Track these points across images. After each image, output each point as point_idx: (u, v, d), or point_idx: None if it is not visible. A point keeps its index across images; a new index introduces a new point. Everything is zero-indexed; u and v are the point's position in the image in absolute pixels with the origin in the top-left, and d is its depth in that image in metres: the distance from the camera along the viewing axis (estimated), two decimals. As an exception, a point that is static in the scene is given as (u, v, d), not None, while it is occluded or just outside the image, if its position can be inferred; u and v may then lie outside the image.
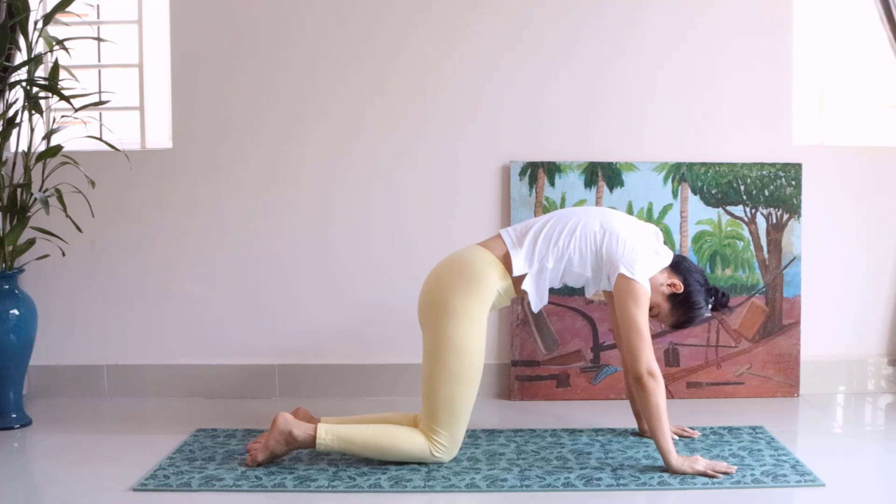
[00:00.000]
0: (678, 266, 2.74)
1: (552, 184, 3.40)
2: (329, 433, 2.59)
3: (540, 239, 2.67)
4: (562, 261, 2.66)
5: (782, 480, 2.50)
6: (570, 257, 2.66)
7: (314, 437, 2.58)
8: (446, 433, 2.58)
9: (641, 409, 2.61)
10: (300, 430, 2.59)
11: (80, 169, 3.21)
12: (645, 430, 2.90)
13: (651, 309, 2.68)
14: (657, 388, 2.53)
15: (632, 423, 2.96)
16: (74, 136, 3.30)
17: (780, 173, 3.41)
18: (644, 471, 2.58)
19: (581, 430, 2.98)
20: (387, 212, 3.45)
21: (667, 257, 2.72)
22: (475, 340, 2.58)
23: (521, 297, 2.74)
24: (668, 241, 3.39)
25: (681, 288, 2.69)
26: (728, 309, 2.84)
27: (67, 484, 2.55)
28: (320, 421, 2.75)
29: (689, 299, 2.71)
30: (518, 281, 2.68)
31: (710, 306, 2.76)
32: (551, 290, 2.75)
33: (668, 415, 2.55)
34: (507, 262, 2.67)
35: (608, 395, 3.39)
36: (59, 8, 3.11)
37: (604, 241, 2.64)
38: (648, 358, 2.54)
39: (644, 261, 2.62)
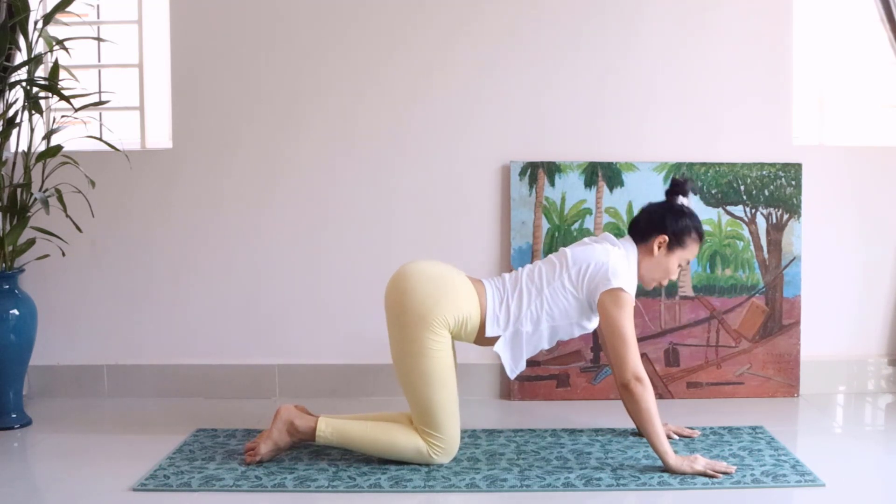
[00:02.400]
0: (641, 232, 2.72)
1: (552, 184, 3.40)
2: (329, 426, 2.61)
3: (513, 302, 2.64)
4: (540, 322, 2.63)
5: (782, 480, 2.50)
6: (549, 313, 2.63)
7: (314, 430, 2.60)
8: (439, 434, 2.58)
9: (632, 414, 2.61)
10: (302, 421, 2.62)
11: (80, 169, 3.21)
12: (645, 431, 2.90)
13: (679, 267, 2.72)
14: (645, 392, 2.52)
15: (631, 423, 2.96)
16: (74, 136, 3.30)
17: (780, 173, 3.41)
18: (644, 471, 2.58)
19: (581, 430, 2.98)
20: (387, 211, 3.45)
21: (630, 243, 2.71)
22: (438, 345, 2.56)
23: (483, 346, 2.72)
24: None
25: (665, 237, 2.69)
26: (691, 181, 2.80)
27: (67, 484, 2.55)
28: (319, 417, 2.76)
29: (676, 228, 2.69)
30: (489, 339, 2.66)
31: (687, 201, 2.74)
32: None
33: (667, 415, 2.55)
34: (484, 314, 2.64)
35: (608, 395, 3.39)
36: (59, 8, 3.11)
37: (577, 278, 2.62)
38: (634, 364, 2.54)
39: (616, 267, 2.60)
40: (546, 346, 2.71)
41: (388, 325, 2.65)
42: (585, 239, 2.78)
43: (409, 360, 2.57)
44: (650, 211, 2.76)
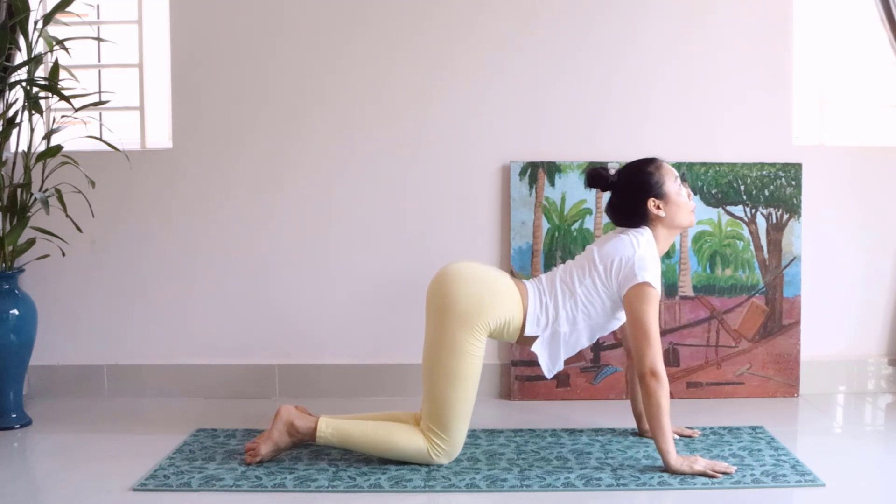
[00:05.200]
0: (638, 217, 2.68)
1: (552, 184, 3.40)
2: (329, 426, 2.60)
3: (551, 303, 2.65)
4: (576, 322, 2.64)
5: (782, 480, 2.50)
6: (585, 312, 2.64)
7: (315, 430, 2.60)
8: (445, 436, 2.58)
9: (644, 407, 2.60)
10: (302, 421, 2.62)
11: (80, 169, 3.21)
12: (645, 431, 2.90)
13: (683, 196, 2.66)
14: (659, 388, 2.52)
15: (632, 423, 2.96)
16: (74, 136, 3.30)
17: (780, 173, 3.41)
18: (644, 471, 2.58)
19: (581, 430, 2.98)
20: (387, 212, 3.45)
21: (644, 229, 2.68)
22: (474, 348, 2.56)
23: (522, 346, 2.72)
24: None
25: (650, 199, 2.64)
26: (594, 171, 2.72)
27: (67, 484, 2.55)
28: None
29: (644, 183, 2.65)
30: (527, 338, 2.67)
31: (611, 174, 2.70)
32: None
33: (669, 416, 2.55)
34: (526, 314, 2.65)
35: (608, 395, 3.39)
36: (59, 8, 3.11)
37: (605, 275, 2.62)
38: (653, 358, 2.53)
39: (644, 259, 2.59)
40: (586, 344, 2.70)
41: (427, 321, 2.64)
42: (609, 233, 2.77)
43: (440, 357, 2.56)
44: (620, 202, 2.70)
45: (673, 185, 2.68)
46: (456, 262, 2.69)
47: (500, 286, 2.63)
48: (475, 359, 2.57)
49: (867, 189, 3.48)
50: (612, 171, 2.74)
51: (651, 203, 2.66)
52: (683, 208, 2.68)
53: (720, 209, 3.41)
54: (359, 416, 2.72)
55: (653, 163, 2.70)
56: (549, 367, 2.68)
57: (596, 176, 2.72)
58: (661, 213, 2.66)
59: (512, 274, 3.33)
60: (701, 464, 2.54)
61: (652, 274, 2.58)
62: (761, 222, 3.41)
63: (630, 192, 2.69)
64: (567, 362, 3.36)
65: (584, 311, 2.64)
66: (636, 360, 2.58)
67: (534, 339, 2.66)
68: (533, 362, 3.37)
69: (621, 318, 2.71)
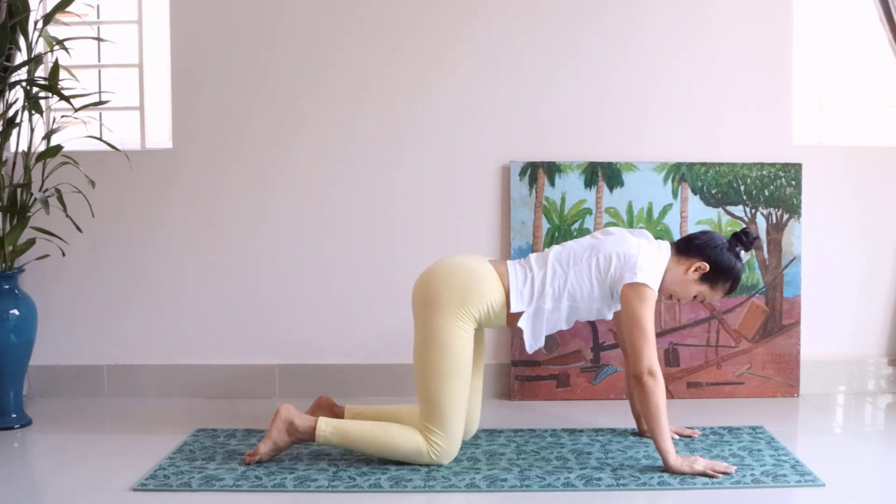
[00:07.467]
0: (689, 248, 2.71)
1: (552, 184, 3.40)
2: (329, 426, 2.61)
3: (538, 279, 2.67)
4: (561, 300, 2.65)
5: (782, 480, 2.50)
6: (570, 293, 2.65)
7: (314, 429, 2.60)
8: (442, 432, 2.58)
9: (641, 408, 2.61)
10: (301, 420, 2.63)
11: (80, 169, 3.21)
12: (645, 431, 2.90)
13: (695, 297, 2.72)
14: (657, 388, 2.52)
15: (632, 423, 2.96)
16: (74, 136, 3.30)
17: (780, 173, 3.42)
18: (644, 471, 2.58)
19: (581, 430, 2.98)
20: (387, 212, 3.45)
21: (666, 248, 2.73)
22: (461, 340, 2.57)
23: (511, 328, 2.73)
24: (669, 241, 3.39)
25: (706, 266, 2.68)
26: (758, 239, 2.79)
27: (67, 484, 2.55)
28: (344, 408, 2.82)
29: (720, 267, 2.68)
30: (514, 317, 2.67)
31: (742, 253, 2.73)
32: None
33: (668, 415, 2.55)
34: (508, 292, 2.66)
35: (608, 395, 3.39)
36: (59, 8, 3.11)
37: (604, 264, 2.64)
38: (650, 358, 2.54)
39: (645, 262, 2.61)
40: (564, 326, 2.71)
41: (415, 322, 2.66)
42: (618, 228, 2.79)
43: (429, 354, 2.58)
44: (713, 237, 2.74)
45: (706, 290, 2.71)
46: (436, 262, 2.72)
47: (478, 273, 2.64)
48: (464, 351, 2.58)
49: (867, 189, 3.48)
50: (745, 254, 2.75)
51: (698, 265, 2.68)
52: (682, 292, 2.72)
53: (720, 209, 3.40)
54: (376, 410, 2.73)
55: (733, 285, 2.72)
56: (532, 343, 2.69)
57: (747, 238, 2.73)
58: (689, 276, 2.69)
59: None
60: (701, 464, 2.54)
61: (650, 276, 2.60)
62: (761, 222, 3.41)
63: (712, 246, 2.70)
64: (567, 362, 3.38)
65: (570, 293, 2.65)
66: (633, 360, 2.58)
67: (519, 316, 2.66)
68: (533, 362, 3.38)
69: (604, 314, 2.72)
